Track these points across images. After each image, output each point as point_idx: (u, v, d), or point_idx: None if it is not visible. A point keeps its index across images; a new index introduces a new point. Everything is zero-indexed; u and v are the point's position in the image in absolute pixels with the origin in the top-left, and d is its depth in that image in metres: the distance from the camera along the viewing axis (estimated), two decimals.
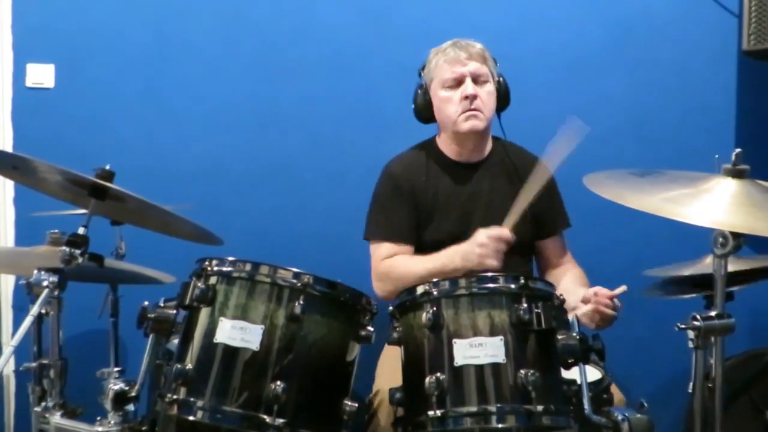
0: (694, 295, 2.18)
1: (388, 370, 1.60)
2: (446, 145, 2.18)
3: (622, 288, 1.84)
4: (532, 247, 2.22)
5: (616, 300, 1.84)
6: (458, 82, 2.05)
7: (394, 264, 2.08)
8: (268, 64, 2.74)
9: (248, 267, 1.53)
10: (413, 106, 2.18)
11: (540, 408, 1.40)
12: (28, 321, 1.62)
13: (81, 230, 1.70)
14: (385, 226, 2.13)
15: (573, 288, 2.01)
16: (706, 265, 2.13)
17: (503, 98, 2.14)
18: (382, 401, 1.81)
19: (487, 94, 2.07)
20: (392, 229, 2.11)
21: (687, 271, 2.21)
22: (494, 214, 2.09)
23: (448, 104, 2.07)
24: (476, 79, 2.06)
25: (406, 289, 1.59)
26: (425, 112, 2.15)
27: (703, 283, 2.14)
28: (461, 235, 2.07)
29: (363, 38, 2.74)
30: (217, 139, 2.73)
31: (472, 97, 2.04)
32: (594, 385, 1.64)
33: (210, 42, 2.73)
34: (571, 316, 1.56)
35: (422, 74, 2.16)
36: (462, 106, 2.05)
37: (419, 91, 2.16)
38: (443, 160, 2.16)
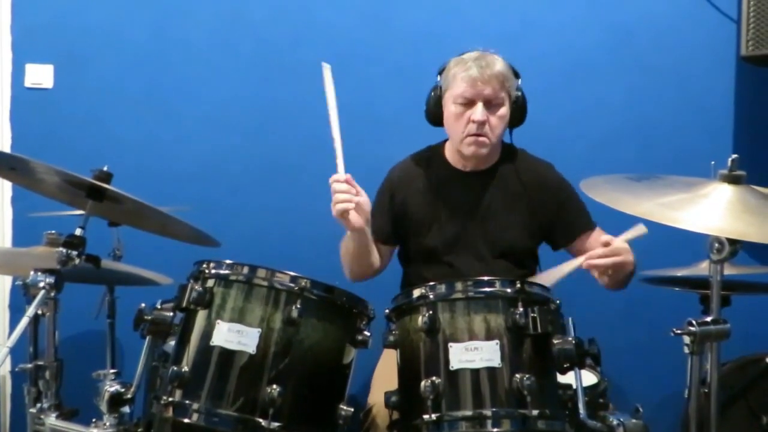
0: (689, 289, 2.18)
1: (384, 384, 1.60)
2: (451, 154, 2.13)
3: (641, 230, 1.74)
4: (534, 257, 2.17)
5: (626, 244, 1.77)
6: (470, 102, 1.97)
7: None
8: (267, 65, 2.74)
9: (245, 270, 1.53)
10: (425, 107, 2.10)
11: (535, 412, 1.41)
12: (24, 322, 1.62)
13: (78, 231, 1.70)
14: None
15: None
16: (702, 268, 2.12)
17: (518, 116, 2.06)
18: (378, 413, 1.79)
19: (498, 118, 1.98)
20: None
21: (682, 272, 2.20)
22: (493, 225, 2.08)
23: (456, 121, 2.00)
24: (489, 103, 1.97)
25: (403, 292, 1.60)
26: (436, 116, 2.07)
27: (699, 284, 2.15)
28: (457, 242, 2.07)
29: (363, 41, 2.75)
30: (216, 140, 2.74)
31: (480, 124, 1.96)
32: (589, 390, 1.64)
33: (209, 43, 2.74)
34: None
35: (439, 77, 2.07)
36: (468, 129, 1.98)
37: (433, 94, 2.07)
38: (447, 169, 2.13)
